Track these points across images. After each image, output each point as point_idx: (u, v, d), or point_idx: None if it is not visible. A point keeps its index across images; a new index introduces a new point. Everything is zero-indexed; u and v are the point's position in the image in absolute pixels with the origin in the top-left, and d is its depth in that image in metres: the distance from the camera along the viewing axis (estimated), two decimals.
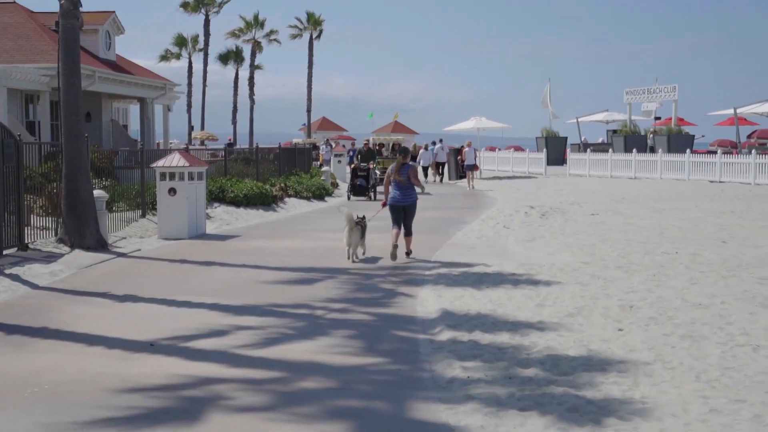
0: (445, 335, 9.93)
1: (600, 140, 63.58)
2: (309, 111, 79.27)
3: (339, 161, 44.63)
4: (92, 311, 11.48)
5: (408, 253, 16.47)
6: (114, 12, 35.93)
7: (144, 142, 30.09)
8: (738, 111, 47.97)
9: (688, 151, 42.68)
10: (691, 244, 17.42)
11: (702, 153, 46.61)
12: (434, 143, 48.01)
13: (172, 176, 19.96)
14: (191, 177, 20.12)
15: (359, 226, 16.33)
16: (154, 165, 20.36)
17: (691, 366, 8.36)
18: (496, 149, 63.74)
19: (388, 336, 10.08)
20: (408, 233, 16.42)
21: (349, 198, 32.70)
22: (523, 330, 10.05)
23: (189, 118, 76.46)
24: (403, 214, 16.32)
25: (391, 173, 16.52)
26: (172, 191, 19.85)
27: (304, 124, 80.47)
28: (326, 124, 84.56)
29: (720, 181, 38.41)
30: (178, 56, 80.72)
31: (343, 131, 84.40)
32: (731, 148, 58.63)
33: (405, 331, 10.33)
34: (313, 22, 78.45)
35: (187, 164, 19.88)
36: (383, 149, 38.70)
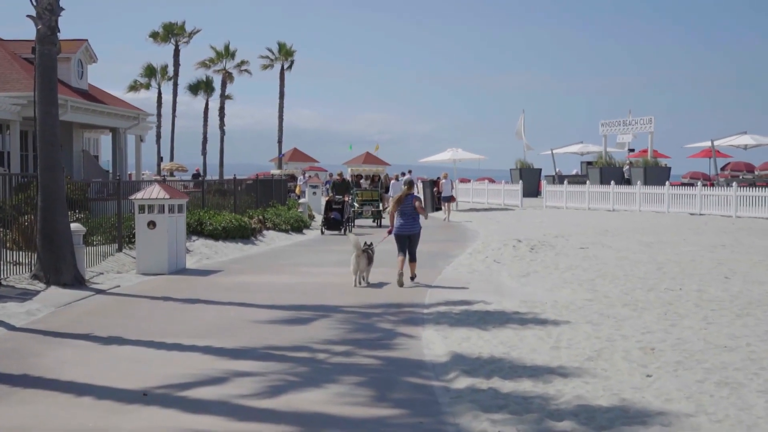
0: (462, 382, 9.22)
1: (574, 172, 63.39)
2: (280, 142, 78.56)
3: (314, 193, 43.96)
4: (76, 355, 10.66)
5: (413, 278, 17.30)
6: (86, 40, 35.12)
7: (120, 174, 29.24)
8: (715, 143, 47.77)
9: (667, 183, 42.41)
10: (693, 280, 16.86)
11: (676, 185, 46.34)
12: (403, 174, 47.58)
13: (151, 209, 19.18)
14: (171, 209, 19.35)
15: (366, 253, 16.90)
16: (132, 197, 19.58)
17: (738, 419, 7.70)
18: (470, 181, 63.32)
19: (400, 383, 9.34)
20: (413, 259, 17.40)
21: (322, 232, 31.21)
22: (545, 376, 9.36)
23: (158, 149, 75.45)
24: (408, 242, 17.28)
25: (396, 203, 17.44)
26: (152, 224, 19.06)
27: (283, 155, 79.88)
28: (297, 155, 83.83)
29: (700, 214, 38.10)
30: (147, 86, 79.66)
31: (315, 162, 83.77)
32: (704, 180, 58.58)
33: (417, 378, 9.59)
34: (285, 52, 77.85)
35: (167, 196, 19.11)
36: (361, 180, 38.04)
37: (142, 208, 19.19)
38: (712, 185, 45.57)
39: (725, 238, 26.56)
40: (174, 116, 77.40)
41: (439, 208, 44.29)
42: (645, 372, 9.49)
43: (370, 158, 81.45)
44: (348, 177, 37.59)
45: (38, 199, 16.54)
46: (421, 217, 17.57)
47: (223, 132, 77.56)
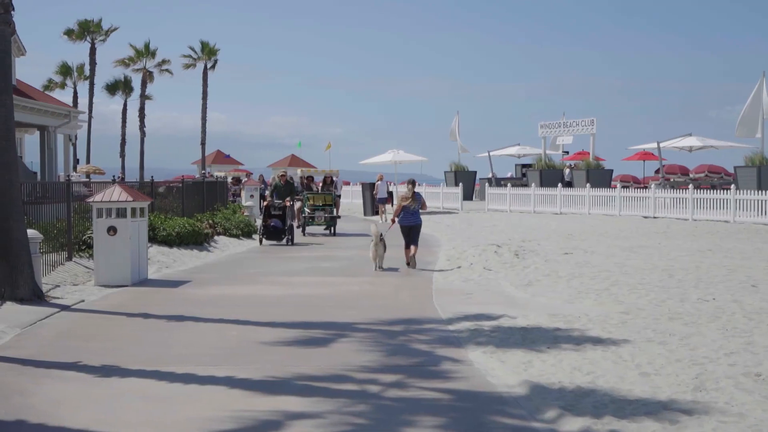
0: (571, 424, 7.56)
1: (509, 174, 62.35)
2: (203, 143, 75.91)
3: (252, 195, 41.98)
4: (74, 392, 8.67)
5: (414, 261, 19.99)
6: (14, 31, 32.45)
7: (68, 175, 26.89)
8: (661, 145, 47.04)
9: (618, 185, 41.44)
10: (719, 289, 15.48)
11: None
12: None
13: (110, 213, 17.13)
14: (133, 213, 17.31)
15: (382, 242, 19.44)
16: (91, 200, 17.46)
17: None
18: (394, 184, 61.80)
19: (493, 425, 7.61)
20: (414, 244, 20.10)
21: (261, 242, 27.04)
22: (663, 413, 7.75)
23: (74, 151, 72.26)
24: (410, 233, 20.04)
25: (402, 201, 20.16)
26: (112, 230, 16.99)
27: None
28: (221, 158, 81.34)
29: (654, 217, 37.12)
30: (62, 86, 76.62)
31: (239, 165, 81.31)
32: (633, 183, 58.03)
33: (508, 417, 7.88)
34: (208, 51, 75.25)
35: (130, 199, 17.06)
36: (312, 183, 34.85)
37: (100, 212, 17.13)
38: (646, 188, 44.86)
39: (703, 242, 25.43)
40: (90, 117, 74.33)
41: (377, 212, 42.71)
42: None
43: (295, 161, 79.42)
44: (297, 179, 35.33)
45: None
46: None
47: (143, 133, 74.80)
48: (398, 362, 10.09)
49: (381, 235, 19.57)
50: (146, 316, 13.31)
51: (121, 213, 17.15)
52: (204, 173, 58.56)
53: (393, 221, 20.58)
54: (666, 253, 21.94)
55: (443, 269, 19.88)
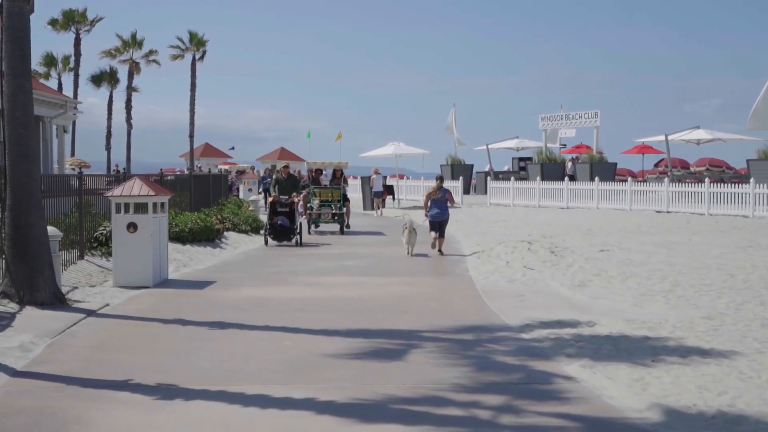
0: None
1: (506, 168, 61.26)
2: (192, 136, 74.23)
3: (250, 189, 40.70)
4: (138, 421, 7.40)
5: (441, 251, 21.41)
6: None
7: (79, 168, 25.51)
8: (669, 138, 46.01)
9: (629, 179, 40.40)
10: None
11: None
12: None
13: (129, 208, 15.85)
14: (154, 209, 16.03)
15: (414, 230, 21.02)
16: (110, 194, 16.15)
17: None
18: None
19: None
20: (441, 236, 21.77)
21: (266, 243, 24.47)
22: None
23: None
24: (439, 226, 21.68)
25: (431, 194, 21.93)
26: (132, 227, 15.69)
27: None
28: (210, 151, 79.86)
29: (667, 211, 36.06)
30: (46, 76, 74.83)
31: (228, 158, 79.91)
32: (629, 177, 57.00)
33: None
34: (196, 42, 73.70)
35: (152, 193, 15.78)
36: (321, 176, 32.53)
37: (118, 207, 15.84)
38: (645, 181, 43.83)
39: (735, 238, 24.33)
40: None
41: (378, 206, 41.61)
42: None
43: (284, 153, 78.16)
44: (299, 172, 33.80)
45: (7, 196, 13.09)
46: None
47: (130, 126, 73.15)
48: (493, 379, 8.89)
49: (413, 222, 21.38)
50: (183, 323, 12.05)
51: (141, 208, 15.90)
52: (200, 167, 57.24)
53: (426, 216, 22.08)
54: (706, 250, 20.82)
55: (477, 267, 18.74)
